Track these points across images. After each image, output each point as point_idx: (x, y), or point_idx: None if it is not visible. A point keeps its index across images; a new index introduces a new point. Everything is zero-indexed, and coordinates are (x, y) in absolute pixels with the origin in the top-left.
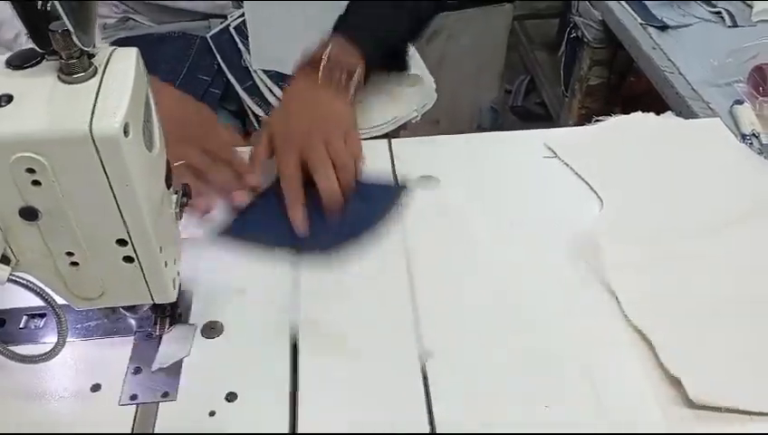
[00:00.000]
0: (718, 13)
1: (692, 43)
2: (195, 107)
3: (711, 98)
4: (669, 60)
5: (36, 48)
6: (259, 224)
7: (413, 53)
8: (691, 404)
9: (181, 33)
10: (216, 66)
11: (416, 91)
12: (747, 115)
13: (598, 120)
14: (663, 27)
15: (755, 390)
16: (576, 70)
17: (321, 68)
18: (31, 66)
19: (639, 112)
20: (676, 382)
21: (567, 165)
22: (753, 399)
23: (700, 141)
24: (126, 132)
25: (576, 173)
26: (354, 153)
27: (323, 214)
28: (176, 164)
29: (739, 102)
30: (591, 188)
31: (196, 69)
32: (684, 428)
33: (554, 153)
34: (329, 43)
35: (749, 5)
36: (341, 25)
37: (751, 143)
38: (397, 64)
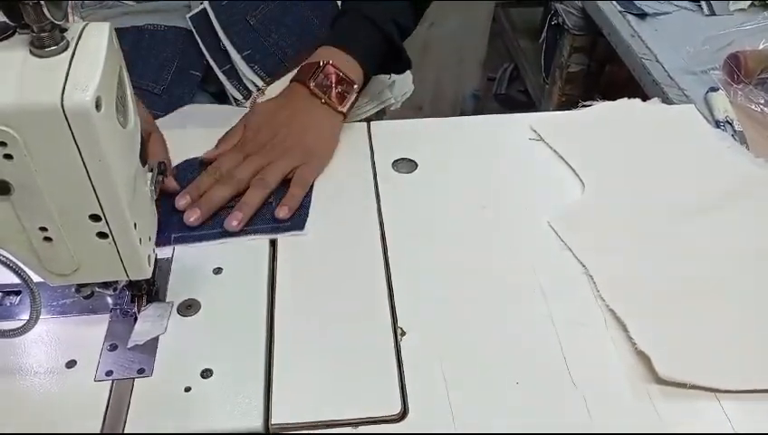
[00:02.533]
0: (697, 1)
1: (670, 32)
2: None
3: (687, 85)
4: (647, 47)
5: (8, 21)
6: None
7: None
8: (659, 380)
9: (168, 27)
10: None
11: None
12: (721, 102)
13: (584, 106)
14: (642, 15)
15: (721, 368)
16: (557, 57)
17: (316, 83)
18: (2, 40)
19: (625, 98)
20: (645, 359)
21: (551, 148)
22: (719, 377)
23: (677, 127)
24: (98, 106)
25: (560, 156)
26: (300, 182)
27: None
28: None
29: (714, 90)
30: (574, 171)
31: (186, 65)
32: (651, 402)
33: (539, 136)
34: (331, 55)
35: None
36: (337, 36)
37: (724, 129)
38: (397, 64)
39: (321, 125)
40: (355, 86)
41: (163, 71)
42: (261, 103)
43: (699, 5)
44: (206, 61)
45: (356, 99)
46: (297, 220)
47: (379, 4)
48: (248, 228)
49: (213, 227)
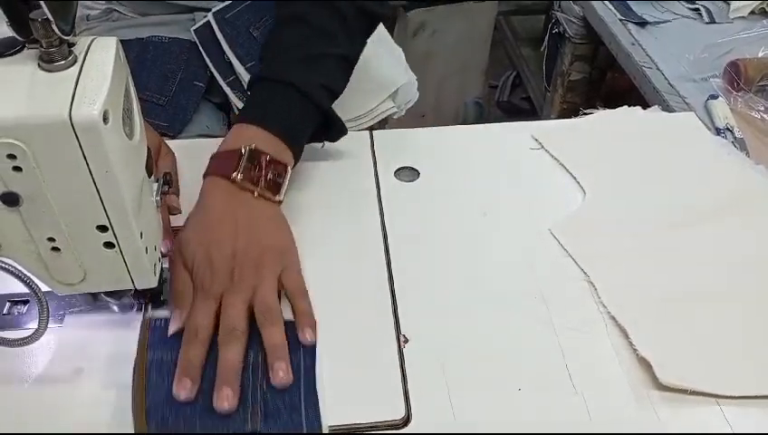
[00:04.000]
0: (697, 9)
1: (670, 40)
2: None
3: (687, 93)
4: (648, 55)
5: (17, 36)
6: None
7: (399, 53)
8: (660, 386)
9: (172, 39)
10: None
11: (399, 89)
12: (722, 109)
13: (585, 114)
14: (642, 23)
15: (721, 374)
16: (558, 65)
17: (242, 175)
18: (11, 54)
19: (626, 106)
20: (646, 366)
21: (552, 156)
22: (719, 383)
23: (678, 135)
24: (105, 120)
25: (561, 164)
26: (298, 292)
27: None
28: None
29: (714, 97)
30: (575, 179)
31: (190, 77)
32: (652, 408)
33: (540, 144)
34: (245, 140)
35: (726, 2)
36: (255, 110)
37: (724, 137)
38: (329, 132)
39: (267, 219)
40: (289, 168)
41: (167, 82)
42: (185, 229)
43: (699, 13)
44: (210, 72)
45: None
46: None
47: (305, 66)
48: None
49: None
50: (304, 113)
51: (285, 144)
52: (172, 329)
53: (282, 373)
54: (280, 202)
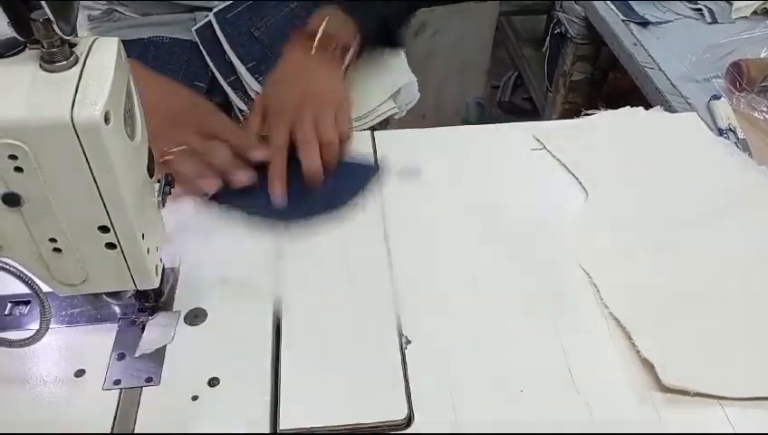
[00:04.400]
0: (699, 10)
1: (672, 40)
2: (187, 94)
3: (689, 93)
4: (650, 56)
5: (18, 37)
6: (243, 193)
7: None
8: (663, 388)
9: (173, 39)
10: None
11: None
12: (724, 110)
13: (587, 114)
14: (644, 24)
15: (723, 376)
16: (560, 65)
17: (317, 40)
18: (12, 55)
19: (628, 107)
20: (648, 367)
21: (554, 156)
22: (722, 384)
23: (681, 135)
24: (107, 120)
25: (563, 165)
26: (341, 132)
27: (303, 188)
28: (176, 149)
29: (716, 98)
30: (577, 180)
31: (191, 77)
32: (655, 409)
33: (542, 145)
34: (325, 16)
35: (729, 2)
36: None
37: (727, 137)
38: (392, 40)
39: (330, 76)
40: (351, 46)
41: None
42: (264, 83)
43: (701, 13)
44: (212, 72)
45: (352, 55)
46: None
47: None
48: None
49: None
50: (378, 17)
51: (356, 28)
52: (258, 150)
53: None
54: (342, 70)
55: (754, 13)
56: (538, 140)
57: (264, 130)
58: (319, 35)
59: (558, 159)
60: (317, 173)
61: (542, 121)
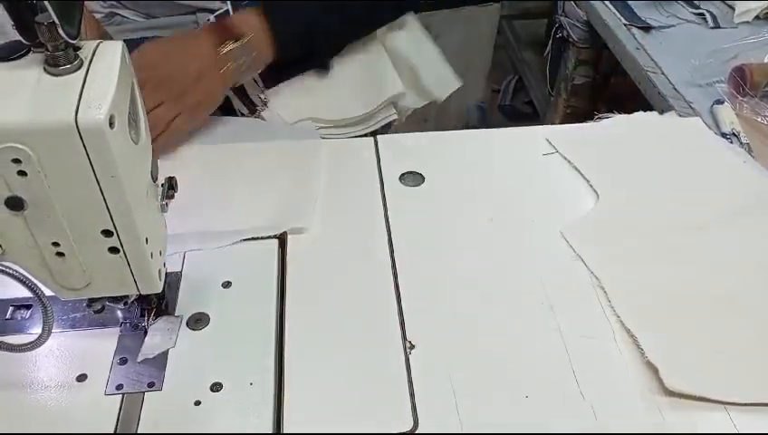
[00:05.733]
0: (701, 14)
1: (675, 44)
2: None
3: (693, 98)
4: (652, 60)
5: (23, 40)
6: None
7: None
8: (668, 392)
9: None
10: None
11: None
12: (727, 114)
13: (600, 118)
14: (647, 28)
15: (728, 381)
16: (561, 69)
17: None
18: (17, 58)
19: (641, 111)
20: (654, 371)
21: (567, 159)
22: (728, 390)
23: (692, 140)
24: (111, 124)
25: (575, 168)
26: (155, 120)
27: None
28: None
29: (719, 102)
30: (589, 184)
31: None
32: (660, 414)
33: (555, 148)
34: (243, 27)
35: (731, 7)
36: (265, 6)
37: (731, 142)
38: (316, 61)
39: (200, 67)
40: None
41: None
42: (148, 45)
43: (704, 18)
44: None
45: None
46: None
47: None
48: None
49: None
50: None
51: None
52: None
53: None
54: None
55: (757, 17)
56: (550, 144)
57: None
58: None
59: (570, 163)
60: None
61: (554, 125)
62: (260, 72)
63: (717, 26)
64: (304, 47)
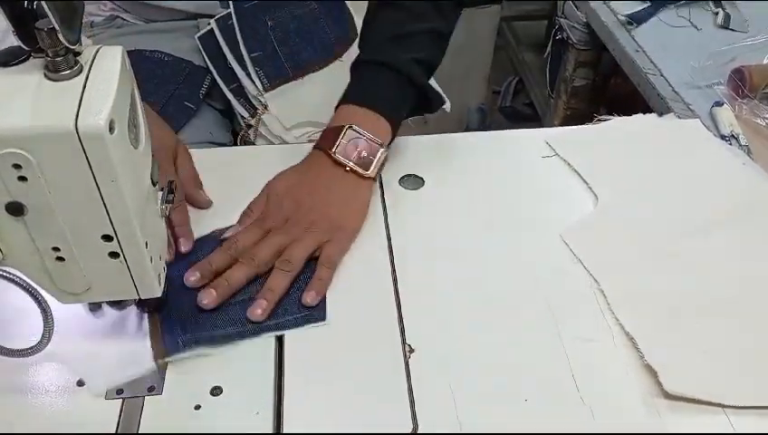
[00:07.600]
0: (715, 13)
1: (674, 46)
2: (159, 137)
3: (692, 100)
4: (652, 62)
5: (23, 46)
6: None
7: None
8: (667, 395)
9: (175, 59)
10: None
11: None
12: (726, 116)
13: (599, 120)
14: (643, 27)
15: (728, 384)
16: (561, 71)
17: (338, 150)
18: (17, 64)
19: (640, 114)
20: (654, 374)
21: (566, 162)
22: (725, 393)
23: (691, 142)
24: (111, 129)
25: (574, 171)
26: (326, 262)
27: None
28: None
29: (719, 104)
30: (588, 186)
31: (181, 96)
32: (659, 417)
33: (554, 151)
34: (347, 118)
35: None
36: (356, 91)
37: (730, 144)
38: (427, 105)
39: (346, 196)
40: (382, 147)
41: (159, 89)
42: (283, 172)
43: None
44: (213, 79)
45: (386, 158)
46: (318, 308)
47: (397, 44)
48: (270, 323)
49: (226, 324)
50: (400, 89)
51: (384, 119)
52: (231, 232)
53: (260, 311)
54: (372, 178)
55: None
56: (550, 147)
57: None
58: (357, 145)
59: (570, 165)
60: (263, 314)
61: (554, 128)
62: None
63: (727, 27)
64: (412, 99)
